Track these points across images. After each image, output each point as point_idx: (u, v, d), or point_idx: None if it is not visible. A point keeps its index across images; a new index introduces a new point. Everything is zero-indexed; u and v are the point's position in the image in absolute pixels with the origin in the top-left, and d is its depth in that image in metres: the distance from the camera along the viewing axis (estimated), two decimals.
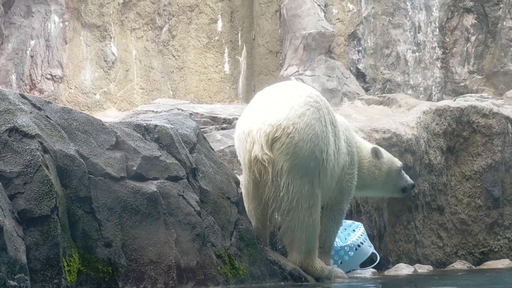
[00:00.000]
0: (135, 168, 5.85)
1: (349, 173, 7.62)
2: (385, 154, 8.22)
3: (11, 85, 12.12)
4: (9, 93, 5.52)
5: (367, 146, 8.11)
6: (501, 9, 13.40)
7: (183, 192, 6.05)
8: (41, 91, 12.43)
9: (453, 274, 9.40)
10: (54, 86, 12.68)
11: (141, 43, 13.37)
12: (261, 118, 6.80)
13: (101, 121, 5.93)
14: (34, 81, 12.54)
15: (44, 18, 12.66)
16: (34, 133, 5.34)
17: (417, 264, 9.72)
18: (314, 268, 6.97)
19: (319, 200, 6.92)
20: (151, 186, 5.84)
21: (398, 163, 8.28)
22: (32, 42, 12.55)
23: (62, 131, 5.62)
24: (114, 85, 13.09)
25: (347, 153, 7.56)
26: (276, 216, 6.95)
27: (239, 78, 13.80)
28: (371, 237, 9.16)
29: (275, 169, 6.71)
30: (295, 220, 6.84)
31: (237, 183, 6.71)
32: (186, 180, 6.14)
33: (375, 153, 8.06)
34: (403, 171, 8.34)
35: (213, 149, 6.86)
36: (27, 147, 5.27)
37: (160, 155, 6.06)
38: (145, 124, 6.22)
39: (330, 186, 7.25)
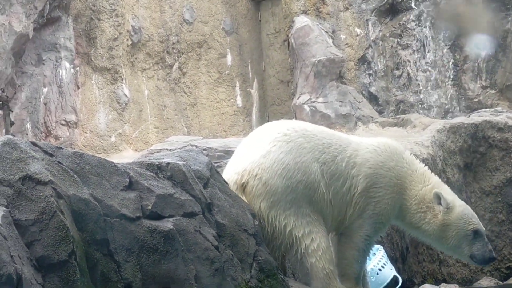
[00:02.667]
0: (150, 207, 5.85)
1: (370, 196, 7.18)
2: (455, 207, 7.24)
3: (26, 134, 12.22)
4: (20, 142, 5.56)
5: (428, 181, 7.28)
6: (509, 22, 13.39)
7: (200, 227, 6.04)
8: (56, 138, 12.52)
9: None
10: (69, 131, 12.76)
11: (152, 83, 13.46)
12: (232, 167, 6.88)
13: (113, 162, 5.95)
14: (49, 128, 12.64)
15: (55, 65, 12.78)
16: (47, 180, 5.36)
17: (442, 284, 9.65)
18: None
19: (319, 225, 6.83)
20: (167, 224, 5.84)
21: (471, 225, 7.23)
22: (45, 90, 12.66)
23: (75, 176, 5.64)
24: (128, 126, 13.17)
25: (364, 176, 7.27)
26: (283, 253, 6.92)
27: (252, 110, 13.85)
28: (394, 259, 9.12)
29: (255, 212, 6.72)
30: (299, 250, 6.81)
31: (253, 214, 6.69)
32: (201, 215, 6.14)
33: (437, 199, 7.20)
34: (480, 236, 7.25)
35: (227, 183, 6.86)
36: (41, 194, 5.29)
37: (174, 193, 6.06)
38: (158, 163, 6.23)
39: (335, 212, 7.09)
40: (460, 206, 7.20)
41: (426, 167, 7.35)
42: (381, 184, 7.20)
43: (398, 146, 7.41)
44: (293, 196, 6.76)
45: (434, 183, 7.27)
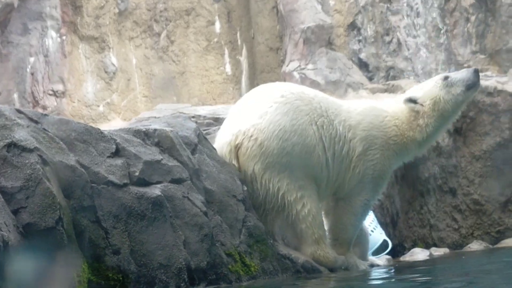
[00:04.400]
0: (137, 173, 5.83)
1: (369, 159, 7.25)
2: (419, 92, 7.46)
3: (14, 104, 12.12)
4: (5, 109, 5.52)
5: (395, 108, 7.45)
6: None
7: (188, 193, 6.03)
8: (44, 108, 12.44)
9: (473, 254, 9.38)
10: (56, 101, 12.69)
11: (140, 51, 13.37)
12: (226, 128, 6.85)
13: (99, 129, 5.92)
14: (36, 98, 12.56)
15: (41, 34, 12.67)
16: (32, 147, 5.33)
17: (433, 248, 9.68)
18: (326, 259, 6.92)
19: (311, 190, 6.84)
20: (155, 190, 5.83)
21: (438, 79, 7.48)
22: (32, 59, 12.56)
23: (61, 143, 5.60)
24: (116, 95, 13.10)
25: (360, 139, 7.29)
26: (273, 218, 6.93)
27: (241, 78, 13.78)
28: (384, 225, 9.13)
29: (248, 175, 6.71)
30: (290, 214, 6.81)
31: (242, 180, 6.69)
32: (189, 181, 6.13)
33: (411, 102, 7.38)
34: (451, 76, 7.46)
35: (215, 149, 6.84)
36: (27, 161, 5.26)
37: (162, 159, 6.04)
38: (145, 129, 6.21)
39: (332, 177, 7.09)
40: (422, 85, 7.51)
41: (397, 102, 7.51)
42: (376, 146, 7.22)
43: (376, 103, 7.58)
44: (288, 159, 6.76)
45: (398, 101, 7.45)
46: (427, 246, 9.85)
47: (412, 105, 7.33)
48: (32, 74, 12.57)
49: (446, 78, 7.40)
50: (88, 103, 12.95)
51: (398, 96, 7.74)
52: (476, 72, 7.46)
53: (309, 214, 6.83)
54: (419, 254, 9.22)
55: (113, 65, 13.10)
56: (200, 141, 6.57)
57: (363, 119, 7.23)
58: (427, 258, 9.11)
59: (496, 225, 10.53)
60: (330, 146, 7.02)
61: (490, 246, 10.15)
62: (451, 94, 7.35)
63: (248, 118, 6.81)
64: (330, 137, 7.03)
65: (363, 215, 7.45)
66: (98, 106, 12.99)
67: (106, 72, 13.10)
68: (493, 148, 10.57)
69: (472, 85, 7.43)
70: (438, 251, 9.55)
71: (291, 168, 6.77)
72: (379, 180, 7.33)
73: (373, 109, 7.37)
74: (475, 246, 10.08)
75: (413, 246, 9.79)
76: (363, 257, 7.56)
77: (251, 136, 6.74)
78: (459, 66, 13.28)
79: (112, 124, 12.34)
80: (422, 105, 7.33)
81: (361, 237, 7.59)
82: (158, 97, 13.32)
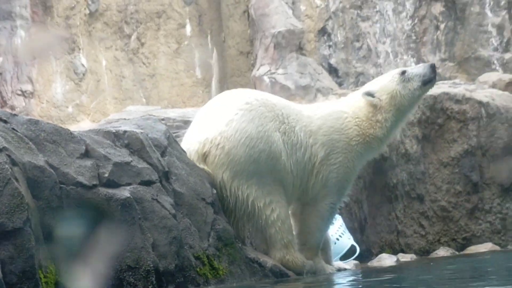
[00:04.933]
0: (106, 175, 5.81)
1: (331, 163, 7.25)
2: (376, 86, 7.49)
3: None
4: None
5: (354, 108, 7.46)
6: None
7: (157, 196, 6.02)
8: (12, 108, 12.34)
9: (441, 260, 9.45)
10: (25, 102, 12.59)
11: (110, 53, 13.31)
12: (192, 136, 6.86)
13: (69, 130, 5.89)
14: (4, 98, 12.46)
15: (11, 33, 12.57)
16: (1, 147, 5.29)
17: (400, 254, 9.73)
18: (295, 263, 6.94)
19: (280, 195, 6.86)
20: (124, 192, 5.80)
21: (395, 73, 7.51)
22: (0, 59, 12.46)
23: (30, 143, 5.57)
24: (86, 96, 13.02)
25: (321, 144, 7.31)
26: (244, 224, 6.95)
27: (211, 82, 13.77)
28: (352, 230, 9.16)
29: (217, 182, 6.73)
30: (259, 220, 6.83)
31: (211, 183, 6.68)
32: (159, 183, 6.12)
33: (368, 95, 7.42)
34: (408, 71, 7.48)
35: (185, 152, 6.83)
36: None
37: (132, 161, 6.02)
38: (114, 131, 6.18)
39: (296, 183, 7.10)
40: (380, 79, 7.53)
41: (355, 100, 7.51)
42: (339, 149, 7.25)
43: (335, 104, 7.60)
44: (256, 166, 6.77)
45: (357, 99, 7.45)
46: (394, 252, 9.90)
47: (370, 98, 7.37)
48: (0, 74, 12.47)
49: (403, 72, 7.44)
50: (57, 104, 12.86)
51: (355, 92, 7.75)
52: (433, 67, 7.52)
53: (278, 219, 6.85)
54: (386, 259, 9.26)
55: (83, 66, 13.03)
56: (170, 144, 6.56)
57: (323, 124, 7.26)
58: (394, 264, 9.15)
59: (463, 231, 10.61)
60: (292, 152, 7.04)
61: (456, 252, 10.24)
62: (408, 89, 7.40)
63: (215, 125, 6.82)
64: (292, 144, 7.05)
65: (330, 218, 7.47)
66: (67, 107, 12.91)
67: (75, 73, 13.02)
68: (461, 155, 10.65)
69: (428, 80, 7.48)
70: (405, 257, 9.60)
71: (259, 174, 6.78)
72: (344, 182, 7.36)
73: (333, 112, 7.39)
74: (442, 252, 10.16)
75: (381, 252, 9.83)
76: (328, 262, 7.59)
77: (218, 144, 6.75)
78: None
79: (81, 126, 12.27)
80: (379, 99, 7.37)
81: (324, 243, 7.62)
82: (127, 99, 13.27)
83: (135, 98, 13.29)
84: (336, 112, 7.39)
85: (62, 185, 5.56)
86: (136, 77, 13.38)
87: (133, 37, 13.46)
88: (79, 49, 13.05)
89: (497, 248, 10.23)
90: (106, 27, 13.34)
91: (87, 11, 13.18)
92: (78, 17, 13.10)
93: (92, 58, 13.17)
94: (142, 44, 13.49)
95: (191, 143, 6.91)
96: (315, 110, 7.43)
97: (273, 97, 7.32)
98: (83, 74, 13.04)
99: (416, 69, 7.49)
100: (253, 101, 6.93)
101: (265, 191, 6.80)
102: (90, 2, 13.21)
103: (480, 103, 10.83)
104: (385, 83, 7.44)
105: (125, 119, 10.28)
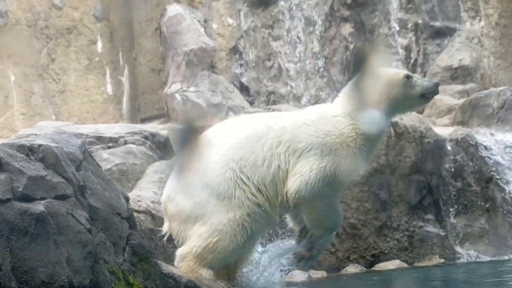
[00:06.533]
0: (20, 189, 5.71)
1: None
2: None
3: None
4: None
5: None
6: (376, 17, 13.73)
7: (72, 210, 5.93)
8: None
9: (354, 277, 9.57)
10: None
11: (19, 68, 13.13)
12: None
13: None
14: None
15: None
16: None
17: (311, 270, 9.80)
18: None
19: (239, 214, 6.85)
20: (39, 206, 5.71)
21: (400, 75, 7.19)
22: None
23: None
24: None
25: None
26: None
27: (122, 99, 13.71)
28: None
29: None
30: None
31: (127, 198, 6.64)
32: (74, 198, 6.03)
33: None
34: (411, 76, 7.23)
35: (100, 166, 6.77)
36: None
37: (46, 175, 5.93)
38: (29, 144, 6.08)
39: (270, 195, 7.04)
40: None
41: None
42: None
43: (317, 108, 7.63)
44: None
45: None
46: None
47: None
48: None
49: (408, 77, 7.33)
50: None
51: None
52: (437, 86, 7.30)
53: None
54: (297, 276, 9.33)
55: None
56: (85, 158, 6.49)
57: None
58: (306, 280, 9.23)
59: (371, 249, 10.76)
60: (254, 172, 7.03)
61: (365, 269, 10.38)
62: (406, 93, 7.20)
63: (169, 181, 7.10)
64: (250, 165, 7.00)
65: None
66: None
67: None
68: (370, 174, 10.81)
69: (428, 95, 7.24)
70: (316, 274, 9.69)
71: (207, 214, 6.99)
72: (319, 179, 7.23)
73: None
74: (351, 269, 10.30)
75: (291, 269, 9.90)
76: (233, 277, 7.57)
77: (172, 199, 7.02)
78: (337, 92, 13.54)
79: None
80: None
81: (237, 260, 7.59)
82: (36, 115, 13.09)
83: (45, 115, 13.13)
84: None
85: None
86: (46, 93, 13.22)
87: (43, 52, 13.30)
88: None
89: (405, 265, 10.41)
90: (16, 42, 13.15)
91: None
92: None
93: (0, 74, 12.97)
94: (53, 60, 13.35)
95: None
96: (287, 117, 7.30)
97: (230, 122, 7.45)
98: None
99: (421, 80, 7.30)
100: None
101: (220, 223, 6.92)
102: None
103: None
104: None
105: (36, 134, 10.14)
